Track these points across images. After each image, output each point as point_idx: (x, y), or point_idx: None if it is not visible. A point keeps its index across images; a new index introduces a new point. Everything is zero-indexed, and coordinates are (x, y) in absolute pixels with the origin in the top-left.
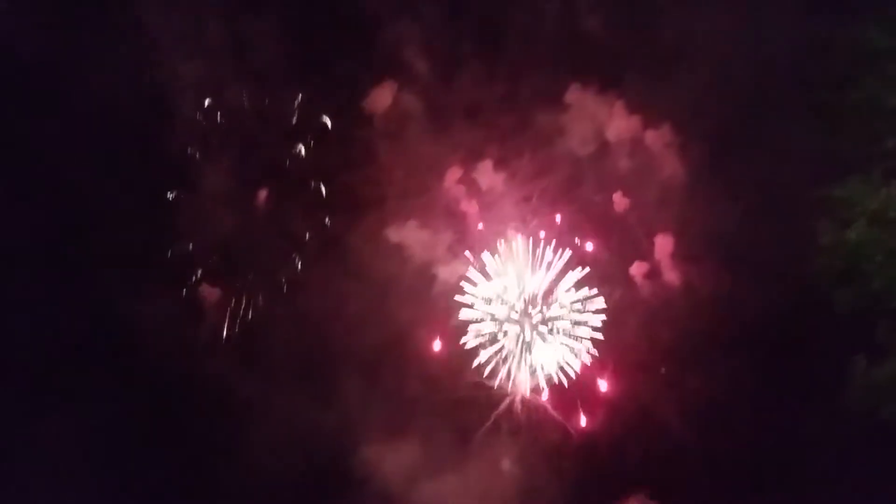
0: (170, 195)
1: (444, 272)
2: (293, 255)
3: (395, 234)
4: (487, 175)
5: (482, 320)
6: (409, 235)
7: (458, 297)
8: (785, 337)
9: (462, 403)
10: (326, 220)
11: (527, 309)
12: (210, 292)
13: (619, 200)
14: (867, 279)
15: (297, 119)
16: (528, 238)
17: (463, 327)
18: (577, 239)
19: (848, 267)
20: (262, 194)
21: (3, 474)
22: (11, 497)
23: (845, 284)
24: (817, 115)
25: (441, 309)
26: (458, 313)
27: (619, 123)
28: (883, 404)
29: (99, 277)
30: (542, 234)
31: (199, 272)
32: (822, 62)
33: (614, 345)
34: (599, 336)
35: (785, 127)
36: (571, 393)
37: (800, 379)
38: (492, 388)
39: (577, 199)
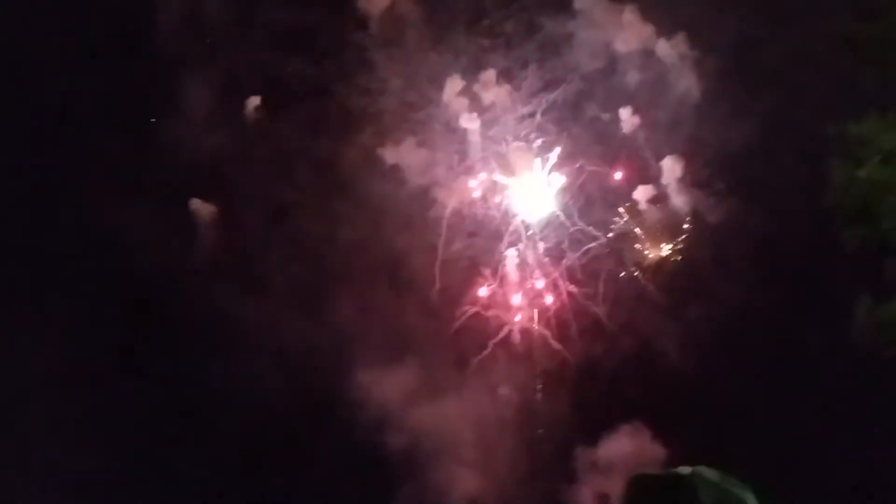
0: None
1: (444, 195)
2: (285, 175)
3: (391, 154)
4: (490, 88)
5: None
6: (407, 155)
7: None
8: (791, 270)
9: (459, 331)
10: (319, 137)
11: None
12: (203, 208)
13: (628, 119)
14: (877, 219)
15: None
16: (533, 158)
17: (461, 253)
18: (581, 161)
19: (858, 206)
20: (252, 108)
21: None
22: None
23: (855, 223)
24: (838, 44)
25: (439, 234)
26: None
27: (630, 32)
28: (887, 343)
29: (85, 192)
30: (547, 154)
31: (191, 188)
32: None
33: (614, 273)
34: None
35: (804, 53)
36: (570, 321)
37: (804, 313)
38: (490, 315)
39: (583, 117)
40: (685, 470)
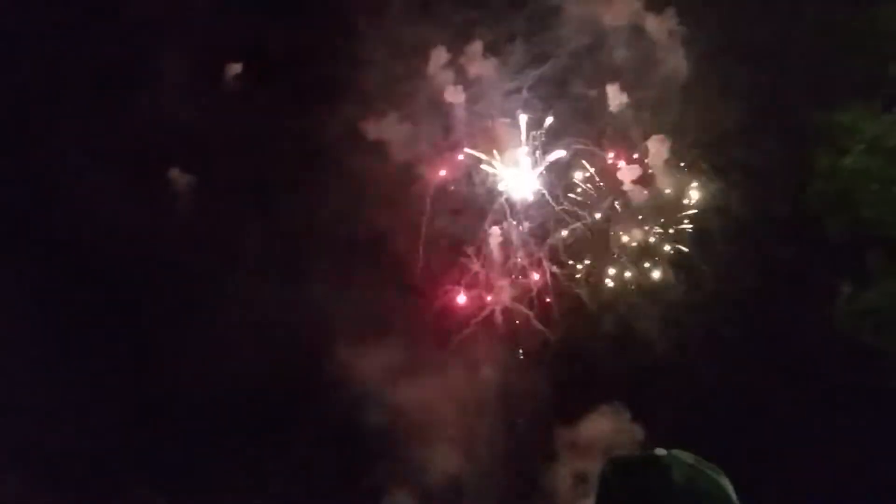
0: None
1: (427, 171)
2: (264, 146)
3: (373, 128)
4: (476, 61)
5: None
6: (390, 129)
7: None
8: (774, 255)
9: (440, 310)
10: (299, 108)
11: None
12: (180, 178)
13: (615, 96)
14: (859, 207)
15: None
16: (519, 135)
17: (443, 231)
18: (567, 139)
19: (841, 194)
20: (231, 76)
21: None
22: None
23: (838, 211)
24: (827, 31)
25: (422, 211)
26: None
27: (619, 6)
28: (867, 330)
29: (59, 161)
30: (533, 131)
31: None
32: None
33: (596, 254)
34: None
35: (793, 39)
36: (551, 302)
37: (786, 299)
38: (471, 295)
39: (570, 94)
40: (661, 451)
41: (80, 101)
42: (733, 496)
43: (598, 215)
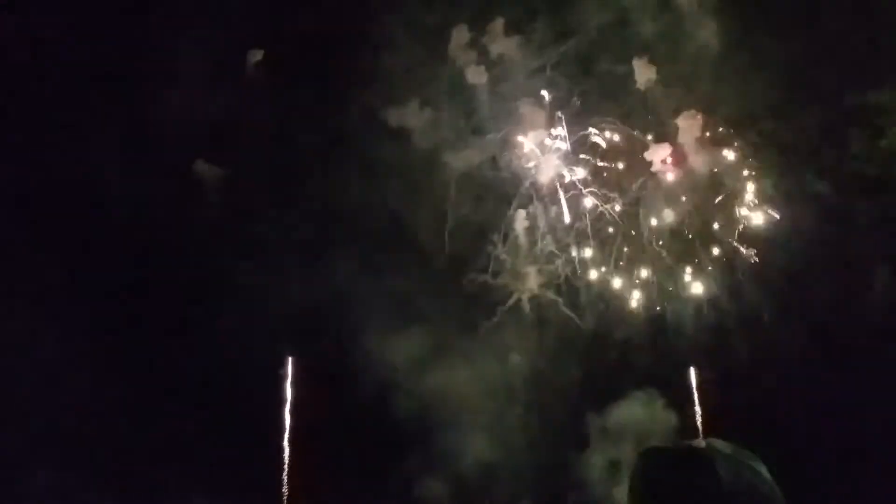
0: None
1: (451, 157)
2: (288, 135)
3: (395, 116)
4: (498, 39)
5: None
6: (412, 117)
7: None
8: (807, 241)
9: (468, 299)
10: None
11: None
12: (208, 170)
13: (643, 72)
14: None
15: None
16: (544, 115)
17: (470, 220)
18: (594, 118)
19: (878, 175)
20: (252, 64)
21: None
22: None
23: (874, 192)
24: (859, 11)
25: (448, 199)
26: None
27: None
28: None
29: (84, 155)
30: (559, 111)
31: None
32: None
33: (626, 238)
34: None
35: (827, 18)
36: (579, 288)
37: (820, 285)
38: (498, 284)
39: (596, 71)
40: (699, 443)
41: (102, 95)
42: (773, 483)
43: (627, 197)
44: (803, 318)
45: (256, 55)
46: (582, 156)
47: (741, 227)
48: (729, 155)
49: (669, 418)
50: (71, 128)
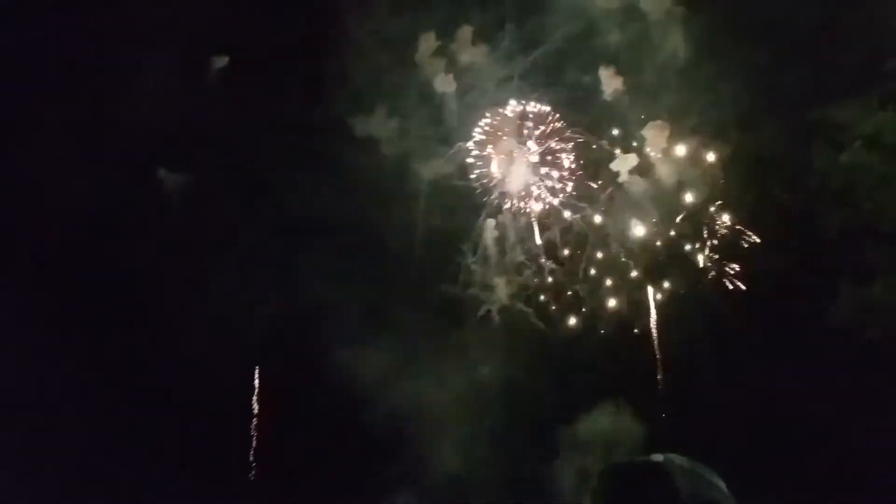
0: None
1: (421, 168)
2: (252, 143)
3: (362, 124)
4: (466, 47)
5: None
6: (379, 125)
7: None
8: (772, 252)
9: (438, 309)
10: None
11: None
12: (169, 177)
13: (610, 82)
14: (858, 202)
15: None
16: (513, 124)
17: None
18: (562, 128)
19: (840, 190)
20: (216, 70)
21: None
22: None
23: (836, 206)
24: (823, 26)
25: (417, 209)
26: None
27: None
28: (869, 325)
29: (46, 162)
30: (527, 120)
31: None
32: None
33: (594, 248)
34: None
35: (789, 33)
36: (550, 298)
37: (786, 296)
38: (469, 294)
39: (563, 81)
40: (657, 457)
41: (63, 101)
42: (731, 496)
43: (595, 207)
44: (768, 327)
45: (221, 61)
46: (544, 170)
47: (708, 237)
48: (696, 165)
49: (638, 428)
50: (30, 132)
